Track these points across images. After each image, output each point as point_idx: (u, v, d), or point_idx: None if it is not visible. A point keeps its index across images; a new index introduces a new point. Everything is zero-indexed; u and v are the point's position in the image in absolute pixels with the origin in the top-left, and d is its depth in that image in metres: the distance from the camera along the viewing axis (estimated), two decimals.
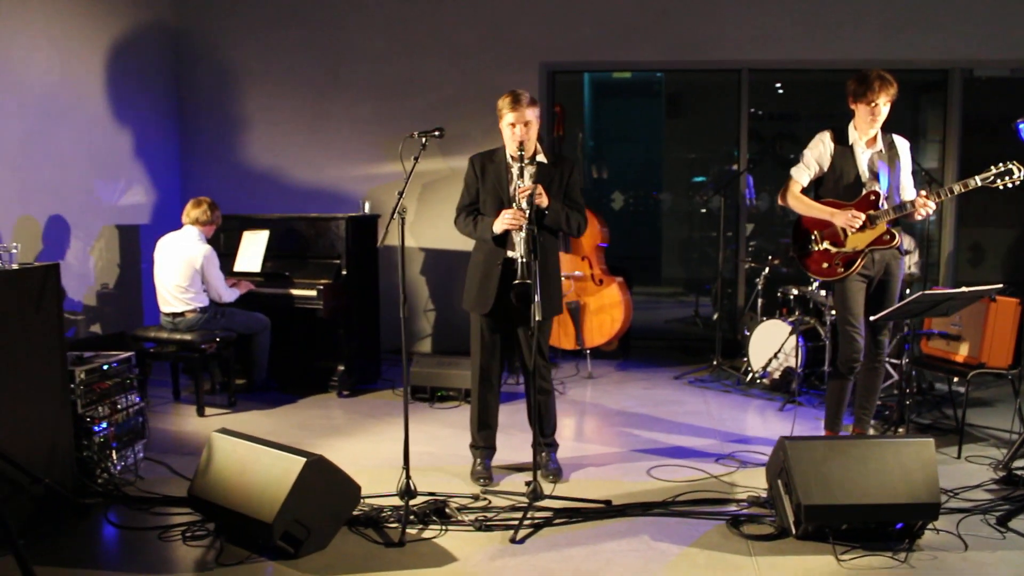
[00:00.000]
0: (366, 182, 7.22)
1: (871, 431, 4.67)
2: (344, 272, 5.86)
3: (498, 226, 4.01)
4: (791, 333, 5.75)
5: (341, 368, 5.89)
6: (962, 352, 4.77)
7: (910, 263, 6.18)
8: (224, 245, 6.07)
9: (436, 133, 3.87)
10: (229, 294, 5.60)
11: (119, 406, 4.36)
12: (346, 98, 7.23)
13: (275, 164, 7.37)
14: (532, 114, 4.06)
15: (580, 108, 10.46)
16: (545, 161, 4.17)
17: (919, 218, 4.20)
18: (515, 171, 4.04)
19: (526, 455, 4.41)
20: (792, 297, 6.00)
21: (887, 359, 5.45)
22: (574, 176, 4.24)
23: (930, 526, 3.61)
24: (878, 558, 3.37)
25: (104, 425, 4.22)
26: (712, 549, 3.48)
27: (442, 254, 7.24)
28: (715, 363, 6.52)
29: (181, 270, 5.41)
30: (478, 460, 4.32)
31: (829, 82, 7.92)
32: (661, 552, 3.46)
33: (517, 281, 3.85)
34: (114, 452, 4.25)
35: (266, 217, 6.15)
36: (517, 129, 4.03)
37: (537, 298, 3.74)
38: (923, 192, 4.18)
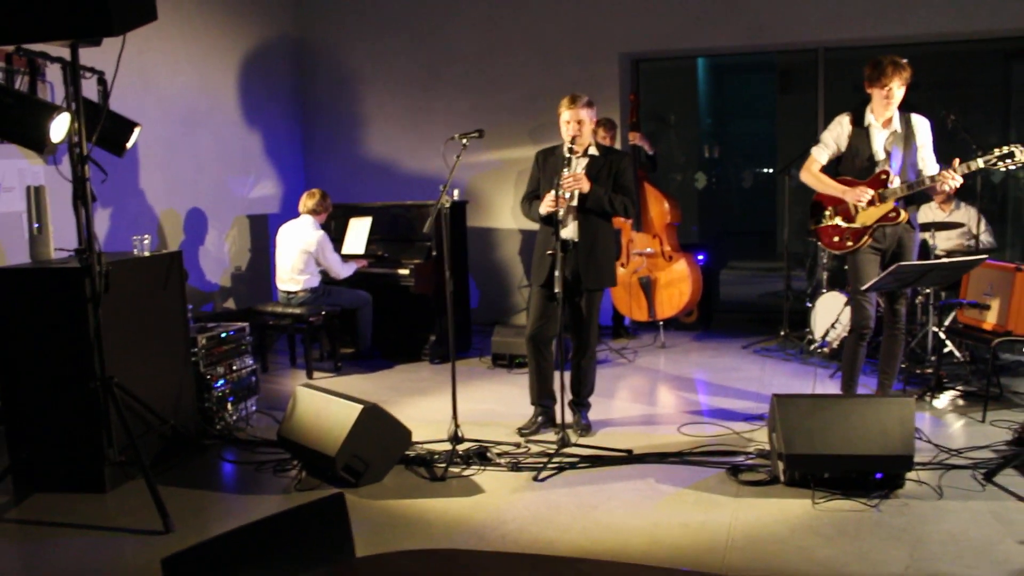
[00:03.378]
0: (465, 171, 7.94)
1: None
2: (434, 253, 6.62)
3: (543, 208, 4.65)
4: (846, 304, 6.02)
5: (432, 338, 6.68)
6: (990, 320, 4.96)
7: (979, 232, 6.27)
8: (334, 230, 6.97)
9: (475, 134, 4.53)
10: (345, 270, 6.46)
11: (234, 367, 5.30)
12: (446, 95, 7.98)
13: (385, 156, 8.24)
14: (586, 114, 4.64)
15: (694, 89, 10.77)
16: (596, 154, 4.74)
17: (944, 191, 4.43)
18: (569, 163, 4.66)
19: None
20: None
21: (939, 328, 5.68)
22: (623, 165, 4.79)
23: (914, 477, 3.97)
24: (851, 503, 3.78)
25: (222, 382, 5.17)
26: (704, 491, 3.99)
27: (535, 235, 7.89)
28: (782, 334, 6.84)
29: (296, 255, 6.32)
30: (533, 415, 4.95)
31: (951, 52, 7.90)
32: (659, 492, 4.01)
33: (549, 252, 4.50)
34: (230, 404, 5.20)
35: (370, 205, 7.02)
36: (571, 126, 4.63)
37: (556, 272, 4.36)
38: (955, 163, 4.35)
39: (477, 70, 7.88)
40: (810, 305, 6.50)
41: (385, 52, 8.11)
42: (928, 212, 6.58)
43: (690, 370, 6.26)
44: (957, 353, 5.88)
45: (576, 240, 4.64)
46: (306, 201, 6.41)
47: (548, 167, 4.76)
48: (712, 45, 7.45)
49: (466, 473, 4.30)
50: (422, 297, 6.61)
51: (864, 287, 4.37)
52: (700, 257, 7.39)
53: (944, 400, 5.28)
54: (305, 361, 6.34)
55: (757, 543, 3.45)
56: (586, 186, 4.58)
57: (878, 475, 3.90)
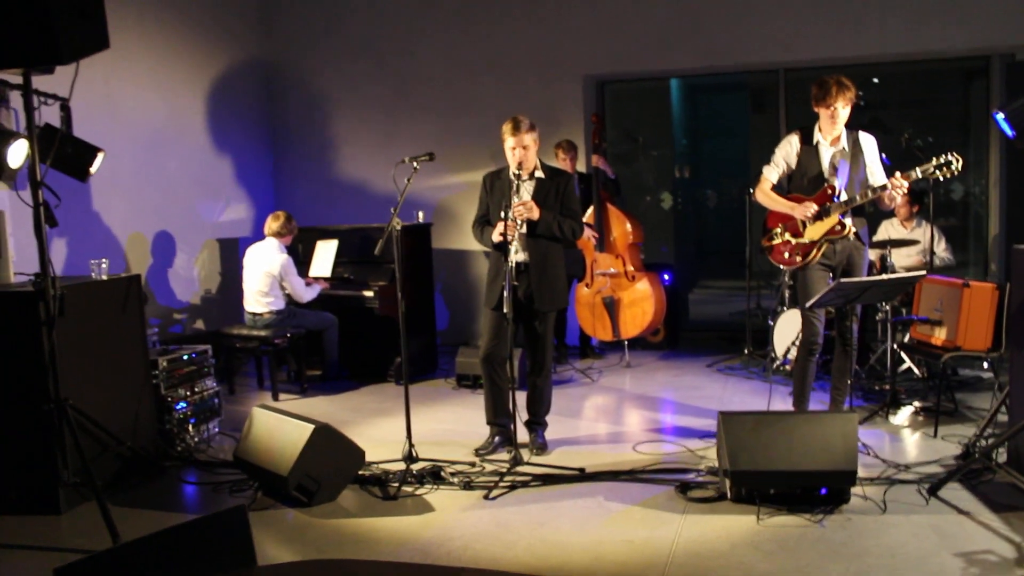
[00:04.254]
0: (432, 192, 8.02)
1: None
2: (397, 274, 6.66)
3: (495, 236, 4.71)
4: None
5: (398, 359, 6.71)
6: (940, 336, 5.02)
7: (939, 250, 6.38)
8: (302, 253, 7.02)
9: (426, 157, 4.59)
10: (308, 294, 6.50)
11: (196, 389, 5.33)
12: (414, 117, 8.07)
13: (355, 179, 8.30)
14: (530, 138, 4.72)
15: (668, 109, 10.88)
16: (543, 176, 4.82)
17: (890, 202, 4.52)
18: (515, 187, 4.73)
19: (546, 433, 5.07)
20: None
21: (896, 345, 5.75)
22: (569, 188, 4.87)
23: (860, 493, 4.03)
24: (795, 518, 3.83)
25: (183, 404, 5.19)
26: (652, 508, 4.03)
27: None
28: (746, 352, 6.90)
29: (261, 278, 6.36)
30: (489, 435, 5.00)
31: (921, 71, 8.05)
32: (607, 509, 4.04)
33: (508, 283, 4.56)
34: (191, 426, 5.22)
35: (336, 228, 7.08)
36: (517, 151, 4.71)
37: (506, 294, 4.42)
38: (897, 174, 4.42)
39: (444, 93, 7.97)
40: (772, 323, 6.57)
41: (353, 76, 8.21)
42: (890, 229, 6.68)
43: (652, 389, 6.31)
44: (915, 369, 5.96)
45: (527, 263, 4.70)
46: (271, 224, 6.46)
47: (496, 190, 4.83)
48: (674, 67, 7.57)
49: (419, 492, 4.34)
50: (387, 319, 6.66)
51: (808, 303, 4.44)
52: (666, 276, 7.47)
53: (902, 416, 5.35)
54: (271, 383, 6.36)
55: (698, 559, 3.49)
56: (536, 214, 4.66)
57: (823, 490, 3.95)
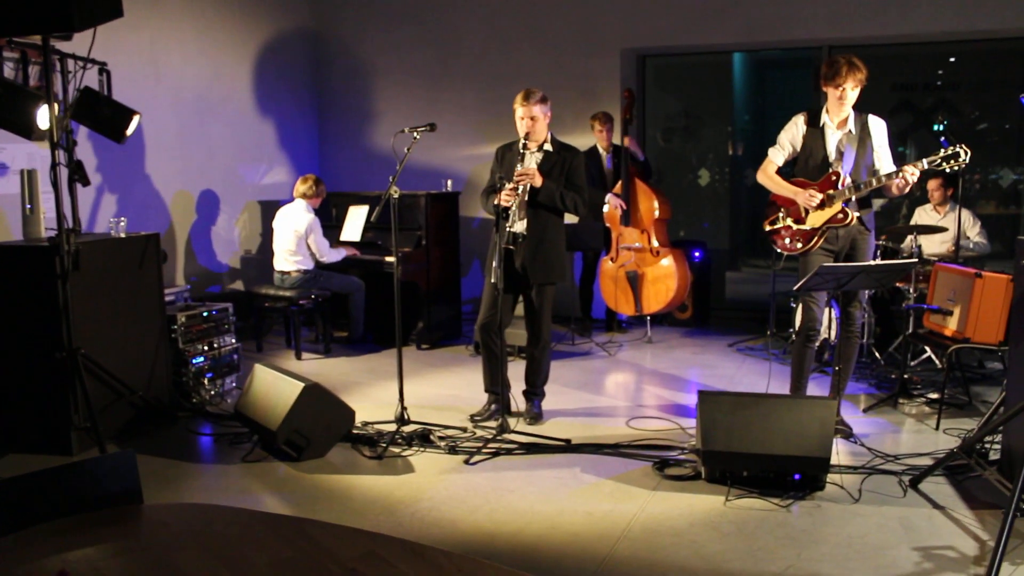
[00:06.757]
0: (470, 162, 8.11)
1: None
2: (423, 242, 6.80)
3: (497, 201, 4.78)
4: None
5: (420, 324, 6.86)
6: (951, 327, 4.87)
7: (972, 234, 6.17)
8: (335, 217, 7.21)
9: (426, 128, 4.68)
10: (332, 255, 6.70)
11: (215, 344, 5.57)
12: (453, 87, 8.14)
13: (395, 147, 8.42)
14: (539, 110, 4.76)
15: (730, 86, 10.68)
16: (551, 149, 4.85)
17: (897, 191, 4.40)
18: (522, 157, 4.79)
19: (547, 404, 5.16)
20: None
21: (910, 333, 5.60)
22: (576, 163, 4.89)
23: (837, 481, 3.99)
24: (763, 502, 3.82)
25: (201, 359, 5.44)
26: (624, 483, 4.07)
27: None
28: (768, 333, 6.81)
29: (290, 237, 6.58)
30: (486, 402, 5.10)
31: (996, 51, 7.71)
32: (580, 481, 4.10)
33: (504, 246, 4.66)
34: (207, 380, 5.47)
35: (368, 194, 7.23)
36: (525, 122, 4.76)
37: (495, 263, 4.49)
38: (905, 167, 4.31)
39: (483, 63, 8.01)
40: (793, 305, 6.46)
41: (397, 44, 8.31)
42: (923, 214, 6.47)
43: (667, 366, 6.30)
44: (936, 359, 5.80)
45: (525, 234, 4.76)
46: (299, 186, 6.67)
47: (506, 161, 4.89)
48: (714, 41, 7.42)
49: (406, 453, 4.47)
50: (411, 284, 6.80)
51: (795, 287, 4.37)
52: (696, 254, 7.41)
53: (910, 406, 5.23)
54: (294, 342, 6.59)
55: (652, 535, 3.53)
56: (538, 180, 4.69)
57: (796, 476, 3.92)
